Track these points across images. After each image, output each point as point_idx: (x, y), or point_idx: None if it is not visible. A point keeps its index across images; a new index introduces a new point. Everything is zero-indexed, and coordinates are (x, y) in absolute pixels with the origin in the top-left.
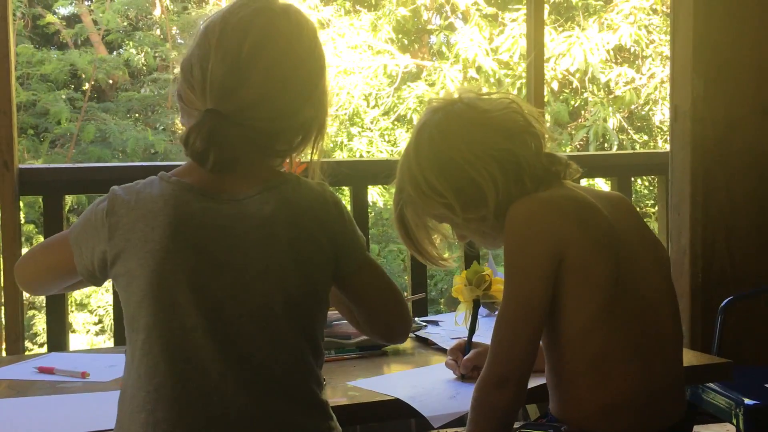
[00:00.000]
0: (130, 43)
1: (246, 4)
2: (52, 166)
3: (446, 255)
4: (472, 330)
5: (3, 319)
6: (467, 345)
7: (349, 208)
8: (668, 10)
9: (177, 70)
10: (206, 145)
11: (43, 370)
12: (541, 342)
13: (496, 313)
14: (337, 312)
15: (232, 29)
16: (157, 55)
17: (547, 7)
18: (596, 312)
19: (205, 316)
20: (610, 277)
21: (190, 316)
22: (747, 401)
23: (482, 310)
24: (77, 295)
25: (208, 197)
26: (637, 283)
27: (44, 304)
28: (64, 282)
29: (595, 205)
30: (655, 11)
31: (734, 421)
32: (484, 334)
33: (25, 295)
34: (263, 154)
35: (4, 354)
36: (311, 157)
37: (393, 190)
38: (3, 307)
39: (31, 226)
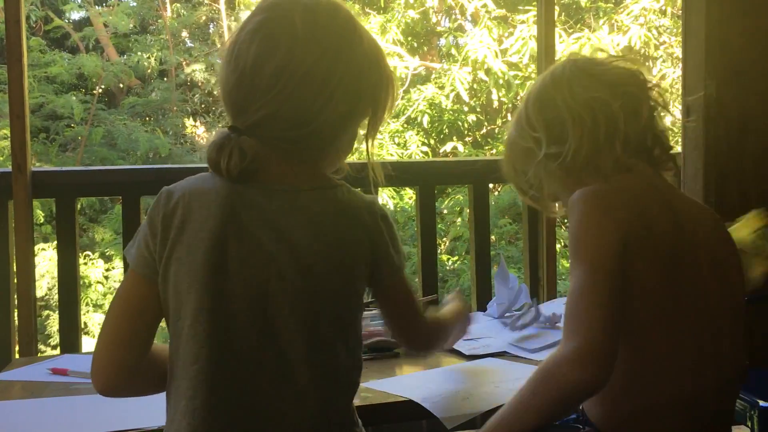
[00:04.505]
0: (139, 46)
1: (260, 10)
2: (64, 169)
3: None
4: None
5: (16, 321)
6: None
7: None
8: (678, 12)
9: (184, 74)
10: (219, 158)
11: (56, 372)
12: None
13: (536, 320)
14: None
15: (241, 41)
16: (165, 59)
17: (557, 9)
18: (649, 322)
19: (249, 306)
20: (664, 291)
21: (235, 304)
22: (762, 403)
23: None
24: (93, 295)
25: (259, 189)
26: (697, 302)
27: (57, 305)
28: (150, 327)
29: (667, 213)
30: (664, 12)
31: (749, 424)
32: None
33: (38, 295)
34: (291, 161)
35: (17, 356)
36: (368, 156)
37: (403, 192)
38: (16, 309)
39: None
